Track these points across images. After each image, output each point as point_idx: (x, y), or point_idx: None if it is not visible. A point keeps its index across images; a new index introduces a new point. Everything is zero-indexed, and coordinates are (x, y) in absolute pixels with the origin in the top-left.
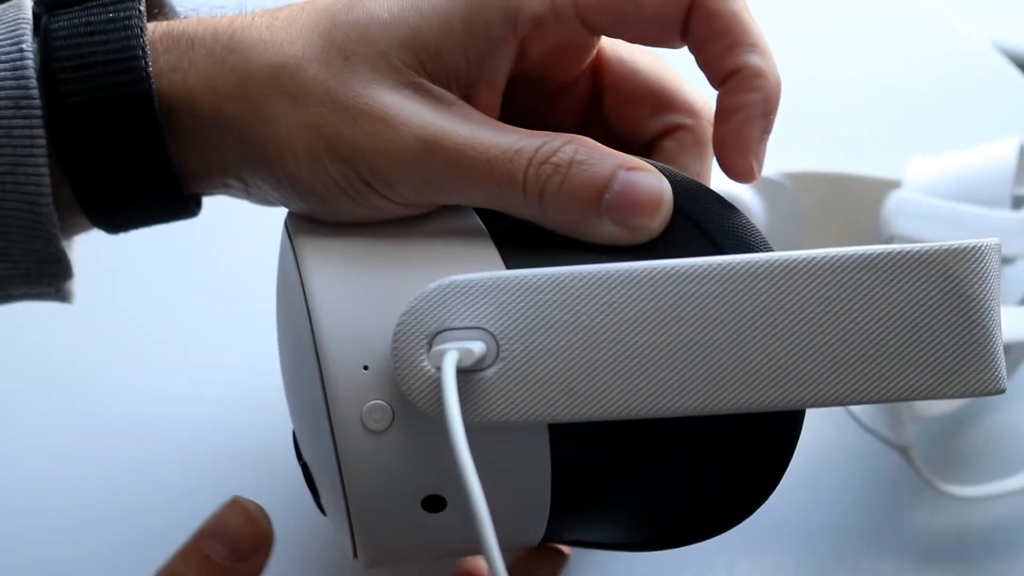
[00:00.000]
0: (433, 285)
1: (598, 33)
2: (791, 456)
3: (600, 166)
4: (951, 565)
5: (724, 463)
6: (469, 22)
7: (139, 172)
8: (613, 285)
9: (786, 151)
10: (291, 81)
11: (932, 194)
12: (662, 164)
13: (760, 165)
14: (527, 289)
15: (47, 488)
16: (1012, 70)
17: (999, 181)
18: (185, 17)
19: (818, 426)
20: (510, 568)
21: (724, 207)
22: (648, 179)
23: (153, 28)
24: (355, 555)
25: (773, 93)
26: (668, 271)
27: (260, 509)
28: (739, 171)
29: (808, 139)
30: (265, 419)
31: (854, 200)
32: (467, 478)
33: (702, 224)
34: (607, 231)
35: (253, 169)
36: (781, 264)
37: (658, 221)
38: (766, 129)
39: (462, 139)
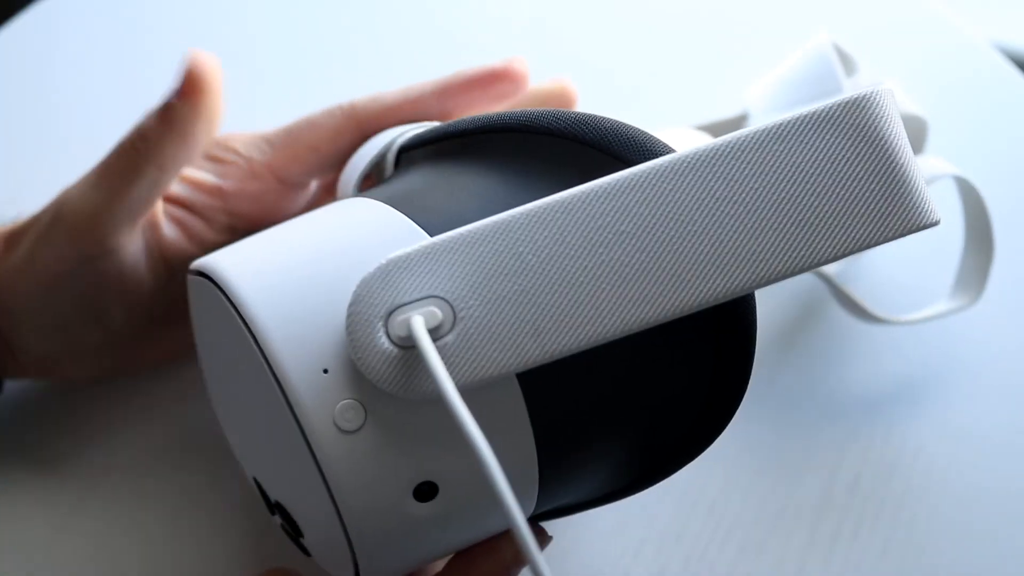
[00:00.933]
0: (374, 267)
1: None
2: (753, 345)
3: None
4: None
5: (695, 366)
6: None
7: None
8: (548, 218)
9: None
10: None
11: (776, 109)
12: (541, 110)
13: None
14: (466, 246)
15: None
16: (1012, 70)
17: (829, 75)
18: None
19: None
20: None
21: (622, 129)
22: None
23: None
24: (356, 571)
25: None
26: (596, 191)
27: None
28: None
29: None
30: None
31: None
32: (467, 427)
33: (604, 146)
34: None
35: None
36: (699, 156)
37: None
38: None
39: None
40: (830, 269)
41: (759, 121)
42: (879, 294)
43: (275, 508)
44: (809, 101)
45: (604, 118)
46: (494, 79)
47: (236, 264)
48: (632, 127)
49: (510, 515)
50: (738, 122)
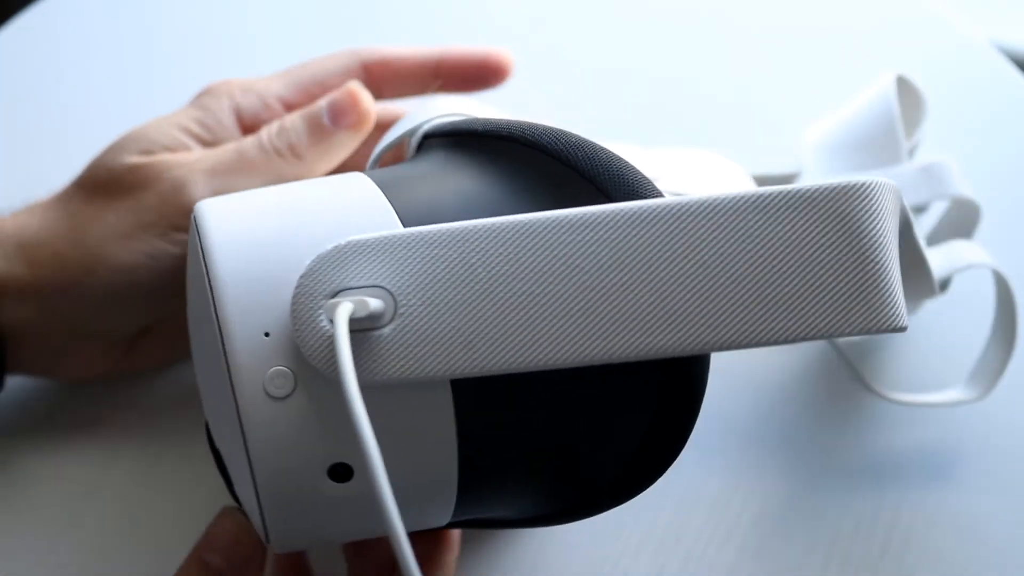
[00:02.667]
0: (330, 246)
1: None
2: (699, 404)
3: (309, 109)
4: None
5: (633, 415)
6: (201, 118)
7: None
8: (506, 237)
9: (787, 152)
10: None
11: (831, 172)
12: (546, 126)
13: None
14: (422, 245)
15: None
16: (1012, 70)
17: (890, 140)
18: None
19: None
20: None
21: (614, 160)
22: (339, 92)
23: None
24: (267, 539)
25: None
26: (560, 220)
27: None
28: None
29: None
30: None
31: None
32: (360, 427)
33: (592, 176)
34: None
35: None
36: (672, 209)
37: (365, 104)
38: None
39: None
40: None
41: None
42: (906, 367)
43: (215, 456)
44: (866, 169)
45: (602, 148)
46: (486, 68)
47: (218, 214)
48: (626, 163)
49: (385, 513)
50: (787, 179)
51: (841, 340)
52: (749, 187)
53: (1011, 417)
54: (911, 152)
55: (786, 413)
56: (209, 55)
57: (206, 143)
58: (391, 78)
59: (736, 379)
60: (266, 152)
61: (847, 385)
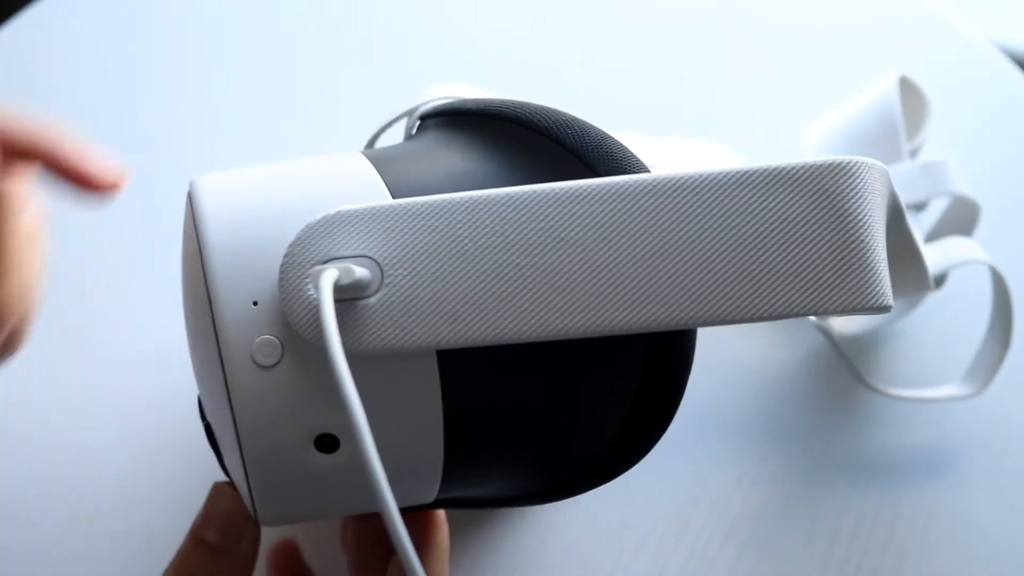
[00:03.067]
0: (319, 216)
1: None
2: (684, 381)
3: None
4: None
5: (618, 391)
6: None
7: None
8: (494, 209)
9: (787, 152)
10: None
11: None
12: (538, 105)
13: None
14: (410, 216)
15: (46, 483)
16: (1012, 70)
17: (891, 138)
18: None
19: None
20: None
21: (604, 138)
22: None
23: None
24: (254, 511)
25: None
26: (547, 193)
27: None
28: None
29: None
30: None
31: None
32: (346, 394)
33: (581, 153)
34: None
35: None
36: (659, 184)
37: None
38: None
39: None
40: (845, 330)
41: None
42: (903, 363)
43: (207, 428)
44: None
45: (592, 127)
46: (84, 180)
47: (212, 187)
48: (615, 141)
49: (372, 479)
50: None
51: (838, 336)
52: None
53: (1008, 412)
54: (915, 152)
55: (785, 410)
56: (209, 55)
57: None
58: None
59: (735, 376)
60: None
61: (845, 381)
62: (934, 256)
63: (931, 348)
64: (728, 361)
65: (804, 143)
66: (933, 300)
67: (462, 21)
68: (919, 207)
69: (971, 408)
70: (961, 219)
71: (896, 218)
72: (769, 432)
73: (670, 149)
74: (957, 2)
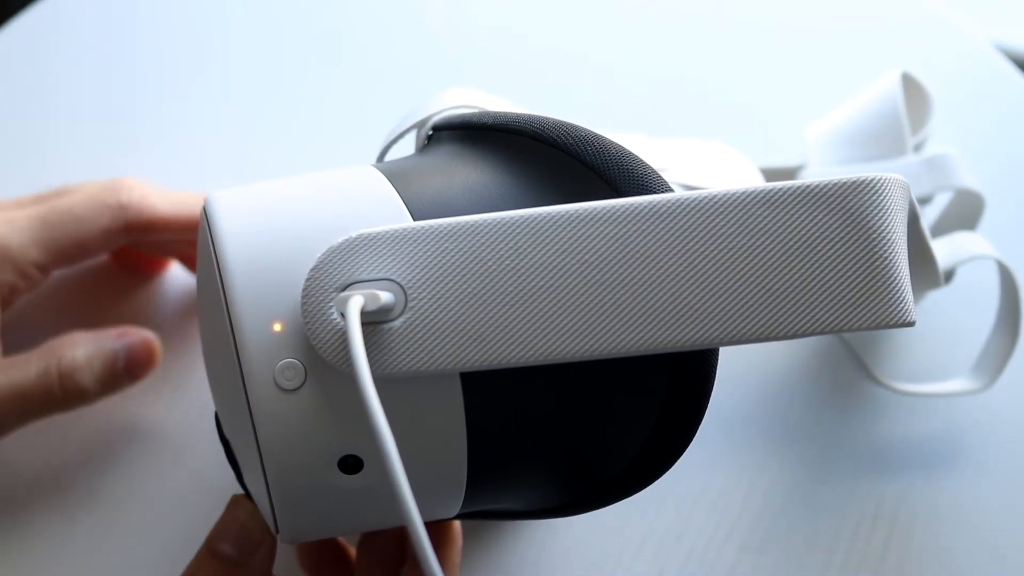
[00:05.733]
0: (341, 239)
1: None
2: (707, 400)
3: (100, 347)
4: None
5: (640, 409)
6: None
7: None
8: (516, 230)
9: (785, 151)
10: None
11: (837, 163)
12: (556, 120)
13: None
14: (433, 238)
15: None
16: (1012, 70)
17: (894, 132)
18: None
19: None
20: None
21: (624, 155)
22: (135, 337)
23: None
24: (277, 530)
25: None
26: (569, 215)
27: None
28: None
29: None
30: None
31: None
32: (376, 422)
33: (601, 171)
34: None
35: None
36: (681, 204)
37: (158, 355)
38: None
39: None
40: None
41: (815, 173)
42: (910, 357)
43: (225, 445)
44: (870, 161)
45: (612, 143)
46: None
47: (228, 205)
48: (636, 157)
49: (402, 502)
50: (792, 172)
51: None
52: (756, 180)
53: (1015, 407)
54: (919, 147)
55: (790, 404)
56: (210, 56)
57: None
58: (149, 240)
59: (739, 370)
60: (49, 388)
61: (851, 375)
62: (942, 252)
63: (938, 342)
64: (732, 354)
65: (806, 141)
66: (940, 294)
67: (467, 23)
68: (924, 201)
69: (979, 402)
70: (965, 212)
71: (912, 222)
72: (773, 428)
73: (681, 150)
74: (957, 2)
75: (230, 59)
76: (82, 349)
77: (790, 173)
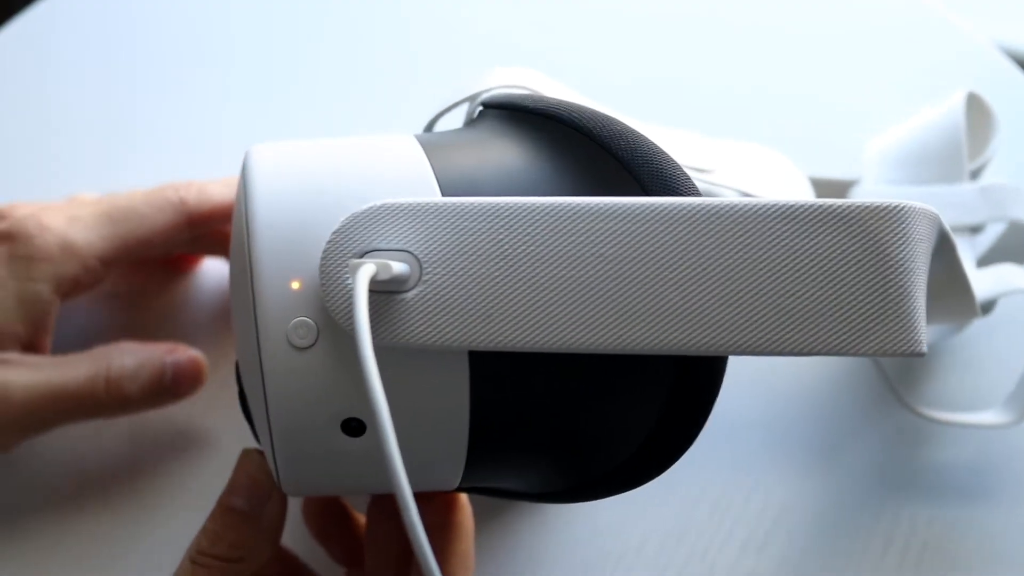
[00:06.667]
0: (364, 206)
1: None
2: (711, 404)
3: (149, 358)
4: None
5: (644, 407)
6: (23, 299)
7: None
8: (538, 218)
9: (786, 153)
10: None
11: (890, 183)
12: (596, 111)
13: None
14: (454, 215)
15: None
16: (1012, 70)
17: (953, 157)
18: None
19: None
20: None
21: (655, 153)
22: (184, 354)
23: None
24: (278, 481)
25: None
26: (592, 208)
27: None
28: None
29: (809, 141)
30: None
31: None
32: (370, 382)
33: (631, 167)
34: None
35: None
36: (703, 210)
37: (205, 373)
38: None
39: (43, 386)
40: None
41: (870, 189)
42: (942, 384)
43: (241, 396)
44: (924, 184)
45: (645, 140)
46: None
47: (268, 162)
48: (667, 157)
49: (392, 472)
50: (844, 187)
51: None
52: (803, 191)
53: None
54: (980, 171)
55: (804, 414)
56: (209, 55)
57: (26, 345)
58: (210, 229)
59: (743, 377)
60: (95, 392)
61: (863, 391)
62: (985, 282)
63: (974, 372)
64: (737, 362)
65: (863, 152)
66: (978, 323)
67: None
68: (975, 229)
69: (1010, 435)
70: (1017, 245)
71: (947, 252)
72: (776, 435)
73: (732, 153)
74: (959, 2)
75: (232, 58)
76: (132, 358)
77: (842, 187)
